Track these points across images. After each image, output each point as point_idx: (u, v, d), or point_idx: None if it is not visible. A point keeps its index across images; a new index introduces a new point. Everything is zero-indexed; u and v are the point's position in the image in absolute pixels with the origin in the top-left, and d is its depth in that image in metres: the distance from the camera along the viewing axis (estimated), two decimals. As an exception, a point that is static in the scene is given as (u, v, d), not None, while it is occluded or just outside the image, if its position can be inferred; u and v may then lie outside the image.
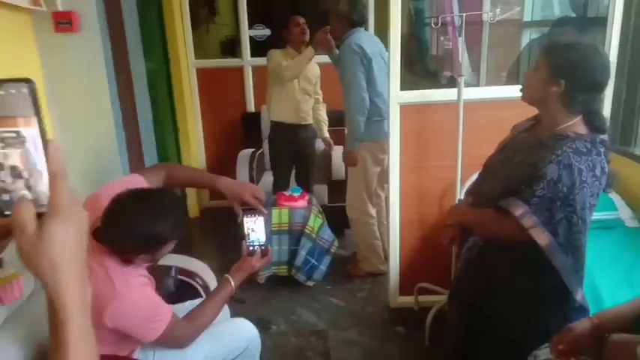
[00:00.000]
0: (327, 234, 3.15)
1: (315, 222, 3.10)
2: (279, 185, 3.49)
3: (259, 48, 4.18)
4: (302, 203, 3.15)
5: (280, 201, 3.15)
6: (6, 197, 0.54)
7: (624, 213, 2.31)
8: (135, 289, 1.38)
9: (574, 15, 3.12)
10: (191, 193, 4.22)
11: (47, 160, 0.53)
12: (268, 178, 3.80)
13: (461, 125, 2.36)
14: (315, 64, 3.43)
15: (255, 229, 1.65)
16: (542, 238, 1.40)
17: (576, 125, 1.43)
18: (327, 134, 3.70)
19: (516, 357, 1.48)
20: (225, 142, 4.31)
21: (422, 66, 3.92)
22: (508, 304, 1.53)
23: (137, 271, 1.43)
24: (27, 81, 0.53)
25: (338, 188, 3.73)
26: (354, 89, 2.82)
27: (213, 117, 4.33)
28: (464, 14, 2.32)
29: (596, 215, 2.37)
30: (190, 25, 4.10)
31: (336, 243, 3.18)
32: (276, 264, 3.10)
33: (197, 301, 1.75)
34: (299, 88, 3.37)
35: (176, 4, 3.93)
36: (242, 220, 1.62)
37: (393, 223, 2.70)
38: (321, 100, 3.61)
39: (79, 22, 2.24)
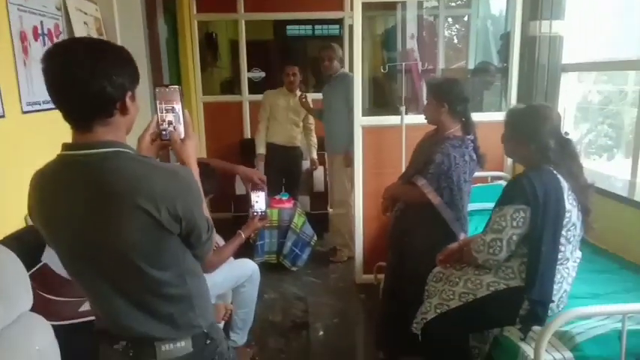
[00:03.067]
0: (308, 230, 4.02)
1: (299, 220, 3.97)
2: (272, 193, 4.33)
3: (255, 87, 5.19)
4: (288, 205, 4.03)
5: (272, 203, 4.01)
6: (165, 132, 1.41)
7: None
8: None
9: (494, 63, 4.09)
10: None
11: (183, 117, 1.41)
12: (261, 190, 4.67)
13: (404, 141, 3.28)
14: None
15: (258, 200, 2.50)
16: (434, 199, 2.29)
17: (456, 130, 2.35)
18: (314, 155, 4.60)
19: (423, 278, 2.32)
20: (226, 162, 5.18)
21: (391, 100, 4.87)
22: (419, 244, 2.39)
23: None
24: (180, 85, 1.43)
25: (318, 198, 4.65)
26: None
27: (217, 142, 5.25)
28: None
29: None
30: (200, 67, 5.08)
31: (315, 237, 4.04)
32: (268, 253, 3.95)
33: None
34: (288, 119, 4.33)
35: (189, 51, 4.89)
36: (250, 194, 2.48)
37: (357, 217, 3.56)
38: (312, 128, 4.54)
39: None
